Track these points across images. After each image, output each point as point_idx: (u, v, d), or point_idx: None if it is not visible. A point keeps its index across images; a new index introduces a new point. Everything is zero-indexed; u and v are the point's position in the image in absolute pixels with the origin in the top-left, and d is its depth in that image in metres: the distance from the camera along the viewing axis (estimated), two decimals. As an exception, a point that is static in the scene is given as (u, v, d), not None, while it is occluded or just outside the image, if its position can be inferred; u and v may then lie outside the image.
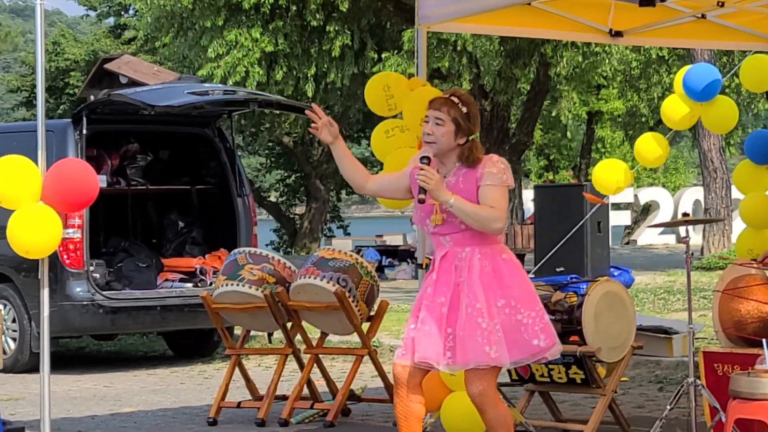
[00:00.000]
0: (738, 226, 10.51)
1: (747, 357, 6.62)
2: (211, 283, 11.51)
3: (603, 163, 9.00)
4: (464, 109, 5.56)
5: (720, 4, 7.58)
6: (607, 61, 23.68)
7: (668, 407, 6.83)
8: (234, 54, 23.27)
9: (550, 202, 15.49)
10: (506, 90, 23.18)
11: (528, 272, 6.56)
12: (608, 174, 8.69)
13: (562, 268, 12.85)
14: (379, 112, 7.90)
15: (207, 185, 12.70)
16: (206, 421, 8.50)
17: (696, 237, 22.48)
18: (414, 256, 20.83)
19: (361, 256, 9.20)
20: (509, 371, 7.43)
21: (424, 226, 5.65)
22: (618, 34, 8.36)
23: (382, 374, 8.60)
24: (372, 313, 8.43)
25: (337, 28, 23.66)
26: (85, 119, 11.38)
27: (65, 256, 11.04)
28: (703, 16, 8.23)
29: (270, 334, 9.61)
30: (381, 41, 24.80)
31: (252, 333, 9.60)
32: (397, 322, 13.04)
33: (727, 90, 24.82)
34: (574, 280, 7.99)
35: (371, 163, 29.94)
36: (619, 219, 31.35)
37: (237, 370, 8.73)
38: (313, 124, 5.67)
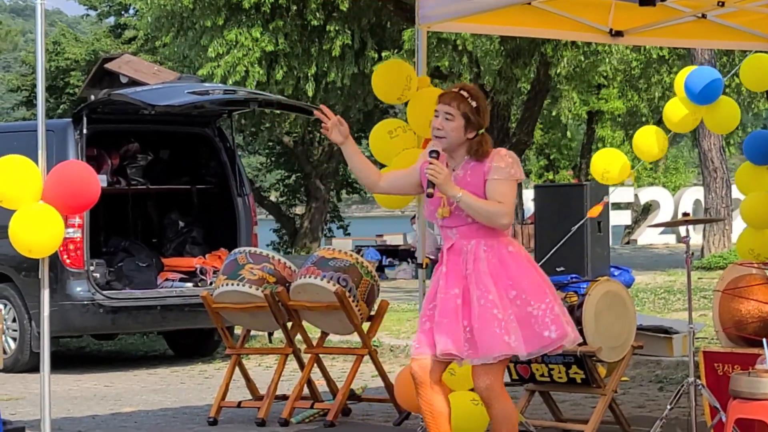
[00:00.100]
0: (738, 225, 10.51)
1: (747, 357, 6.62)
2: (211, 283, 11.51)
3: (601, 152, 8.97)
4: (474, 103, 5.55)
5: (720, 3, 7.57)
6: (607, 60, 23.72)
7: (668, 407, 6.83)
8: (234, 53, 23.29)
9: (550, 202, 15.49)
10: (506, 90, 23.19)
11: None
12: (607, 162, 8.67)
13: (562, 268, 12.85)
14: (387, 99, 7.80)
15: (207, 185, 12.70)
16: (207, 421, 8.50)
17: (696, 237, 22.47)
18: (414, 255, 20.85)
19: (362, 256, 9.20)
20: (509, 371, 7.44)
21: (434, 220, 5.66)
22: (618, 33, 8.35)
23: (382, 374, 8.60)
24: (372, 313, 8.43)
25: (337, 28, 23.68)
26: (85, 119, 11.37)
27: (65, 256, 11.04)
28: (704, 16, 8.22)
29: (270, 334, 9.60)
30: (381, 41, 24.82)
31: (252, 333, 9.60)
32: (398, 322, 13.02)
33: (727, 90, 24.81)
34: (574, 279, 7.98)
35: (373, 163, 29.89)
36: (619, 219, 31.36)
37: (237, 369, 8.73)
38: (323, 125, 5.66)
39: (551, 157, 38.96)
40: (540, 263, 6.15)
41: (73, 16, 75.84)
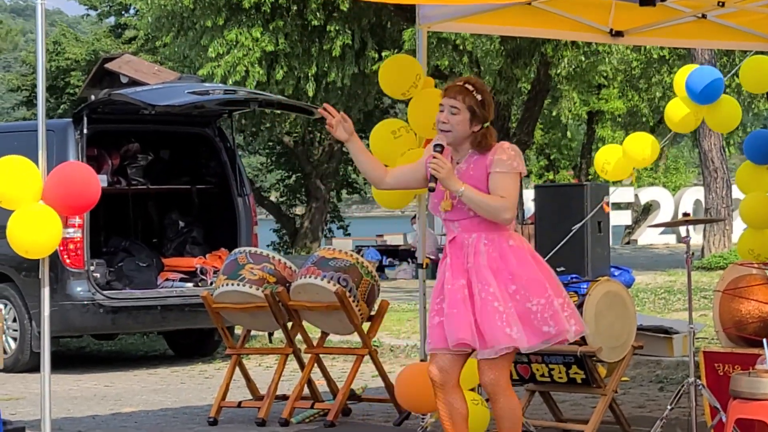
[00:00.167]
0: (738, 226, 10.51)
1: (747, 357, 6.62)
2: (211, 283, 11.51)
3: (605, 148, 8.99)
4: (479, 97, 5.56)
5: (720, 3, 7.57)
6: (607, 60, 23.70)
7: (669, 407, 6.83)
8: (234, 53, 23.27)
9: (550, 202, 15.49)
10: (507, 90, 23.18)
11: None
12: (608, 155, 8.68)
13: (562, 268, 12.83)
14: (392, 93, 7.78)
15: (207, 185, 12.70)
16: (207, 421, 8.50)
17: (696, 237, 22.48)
18: (414, 255, 20.86)
19: (362, 256, 9.20)
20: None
21: (437, 212, 5.67)
22: (618, 33, 8.35)
23: (382, 374, 8.59)
24: (372, 313, 8.43)
25: (337, 28, 23.66)
26: (85, 119, 11.37)
27: (66, 256, 11.04)
28: (704, 16, 8.22)
29: (270, 334, 9.60)
30: (381, 41, 24.80)
31: (252, 333, 9.60)
32: (398, 321, 13.02)
33: (727, 90, 24.77)
34: (574, 279, 7.97)
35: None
36: (619, 219, 31.38)
37: (237, 369, 8.73)
38: (327, 123, 5.67)
39: (551, 157, 38.96)
40: (540, 263, 6.13)
41: (73, 16, 75.94)
